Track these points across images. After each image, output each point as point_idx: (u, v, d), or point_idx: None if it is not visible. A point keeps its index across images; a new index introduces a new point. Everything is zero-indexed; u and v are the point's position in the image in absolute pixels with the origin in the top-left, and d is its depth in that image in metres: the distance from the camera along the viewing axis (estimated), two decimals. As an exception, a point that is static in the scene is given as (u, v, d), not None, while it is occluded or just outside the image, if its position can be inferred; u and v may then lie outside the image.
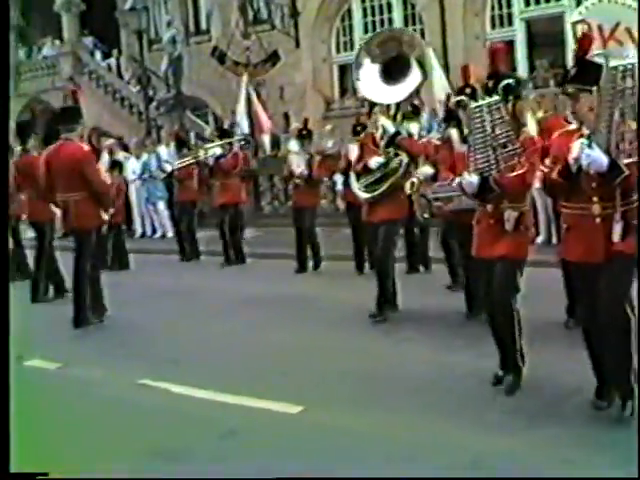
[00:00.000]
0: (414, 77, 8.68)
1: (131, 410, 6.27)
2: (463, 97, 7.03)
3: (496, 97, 5.83)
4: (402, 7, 20.34)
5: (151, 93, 23.42)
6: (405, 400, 6.02)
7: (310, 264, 12.39)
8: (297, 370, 6.98)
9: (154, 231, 18.31)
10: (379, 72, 8.65)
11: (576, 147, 5.14)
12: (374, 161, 8.62)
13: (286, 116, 20.91)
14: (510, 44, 18.38)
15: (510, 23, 19.46)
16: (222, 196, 13.48)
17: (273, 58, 20.35)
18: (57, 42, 27.02)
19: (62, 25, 26.63)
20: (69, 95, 12.60)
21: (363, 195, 8.86)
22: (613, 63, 5.01)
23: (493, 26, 19.47)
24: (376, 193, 8.65)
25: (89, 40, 27.01)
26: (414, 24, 19.72)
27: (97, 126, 24.82)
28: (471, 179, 5.87)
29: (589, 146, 5.07)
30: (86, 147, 9.62)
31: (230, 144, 13.85)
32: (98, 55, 27.03)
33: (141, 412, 6.22)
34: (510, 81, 6.00)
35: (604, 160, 5.03)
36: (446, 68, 18.25)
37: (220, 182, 13.50)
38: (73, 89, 13.37)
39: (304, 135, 12.84)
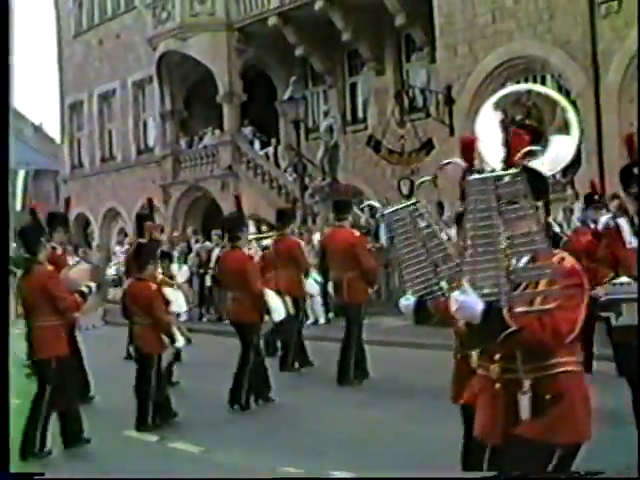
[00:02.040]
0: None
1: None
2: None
3: None
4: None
5: (307, 181, 23.74)
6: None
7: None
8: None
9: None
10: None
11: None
12: None
13: (440, 204, 20.73)
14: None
15: (669, 106, 18.85)
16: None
17: (427, 146, 20.32)
18: (217, 132, 27.77)
19: (223, 115, 27.40)
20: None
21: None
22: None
23: (650, 113, 18.91)
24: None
25: (248, 130, 27.67)
26: (570, 111, 19.33)
27: (254, 213, 25.42)
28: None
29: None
30: (357, 232, 11.74)
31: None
32: (257, 144, 27.64)
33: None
34: None
35: (476, 307, 3.70)
36: (599, 155, 17.79)
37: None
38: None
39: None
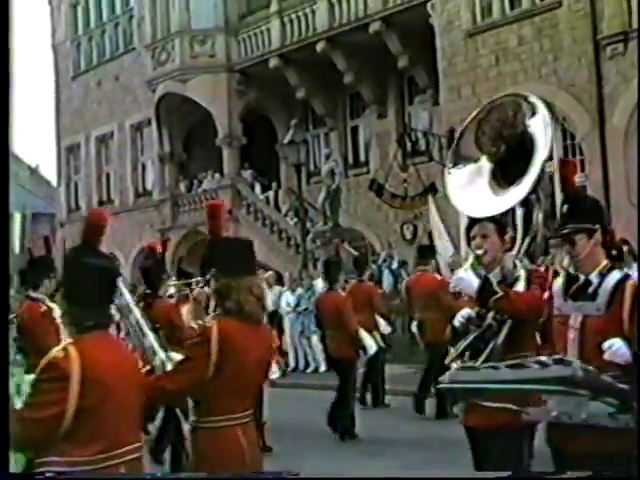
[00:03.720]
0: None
1: None
2: None
3: None
4: (561, 138, 19.63)
5: (308, 225, 23.39)
6: None
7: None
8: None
9: (307, 365, 18.04)
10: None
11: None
12: None
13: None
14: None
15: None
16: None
17: (430, 190, 19.98)
18: (217, 175, 27.49)
19: (223, 158, 27.12)
20: None
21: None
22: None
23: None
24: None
25: (249, 173, 27.40)
26: (574, 155, 19.02)
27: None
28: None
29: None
30: (439, 277, 12.61)
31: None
32: (257, 188, 27.36)
33: None
34: None
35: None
36: (607, 199, 17.40)
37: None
38: None
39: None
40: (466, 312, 5.10)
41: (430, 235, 19.46)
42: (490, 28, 19.89)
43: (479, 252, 5.09)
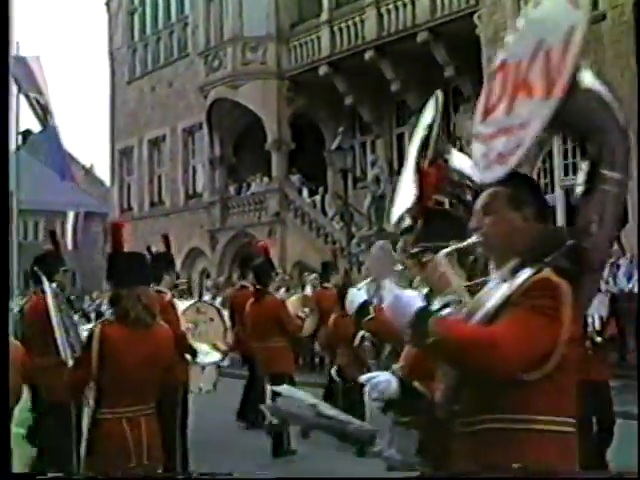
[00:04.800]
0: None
1: None
2: None
3: None
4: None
5: (353, 230, 23.83)
6: None
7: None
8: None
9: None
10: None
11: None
12: None
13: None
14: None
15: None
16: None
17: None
18: (265, 179, 28.01)
19: (271, 163, 27.66)
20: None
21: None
22: None
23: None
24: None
25: (296, 178, 27.87)
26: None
27: (301, 260, 25.55)
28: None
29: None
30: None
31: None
32: (305, 192, 27.79)
33: None
34: None
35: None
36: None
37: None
38: None
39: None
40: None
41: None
42: (536, 40, 20.12)
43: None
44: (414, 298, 3.07)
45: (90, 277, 40.71)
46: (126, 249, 5.49)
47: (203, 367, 9.21)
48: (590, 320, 7.76)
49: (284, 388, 3.78)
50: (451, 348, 2.99)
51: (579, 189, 3.41)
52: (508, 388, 3.04)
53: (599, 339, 7.92)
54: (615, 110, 3.40)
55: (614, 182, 3.33)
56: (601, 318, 8.10)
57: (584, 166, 3.42)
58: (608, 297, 9.05)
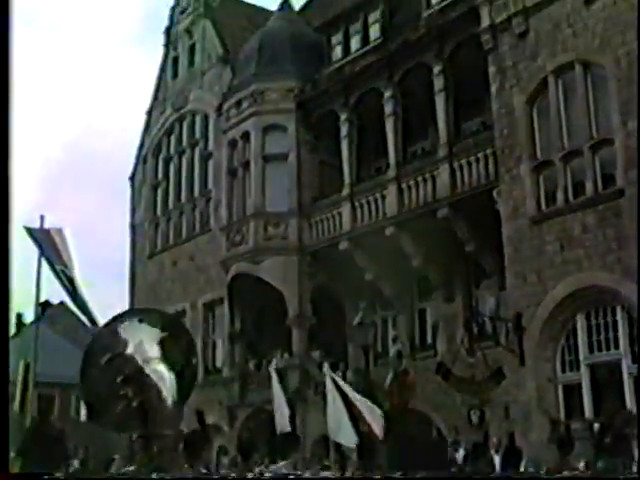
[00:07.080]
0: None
1: None
2: None
3: None
4: (628, 328, 19.20)
5: (375, 407, 23.25)
6: None
7: None
8: None
9: None
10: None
11: None
12: None
13: (511, 437, 20.00)
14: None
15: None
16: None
17: (498, 376, 19.79)
18: (286, 355, 27.65)
19: (292, 338, 27.34)
20: None
21: None
22: None
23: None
24: None
25: (316, 353, 27.50)
26: None
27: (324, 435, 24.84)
28: None
29: None
30: None
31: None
32: (325, 368, 27.33)
33: None
34: None
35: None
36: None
37: None
38: None
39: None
40: None
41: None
42: (555, 215, 20.07)
43: None
44: None
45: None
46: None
47: None
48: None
49: None
50: None
51: None
52: None
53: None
54: None
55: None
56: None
57: None
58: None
